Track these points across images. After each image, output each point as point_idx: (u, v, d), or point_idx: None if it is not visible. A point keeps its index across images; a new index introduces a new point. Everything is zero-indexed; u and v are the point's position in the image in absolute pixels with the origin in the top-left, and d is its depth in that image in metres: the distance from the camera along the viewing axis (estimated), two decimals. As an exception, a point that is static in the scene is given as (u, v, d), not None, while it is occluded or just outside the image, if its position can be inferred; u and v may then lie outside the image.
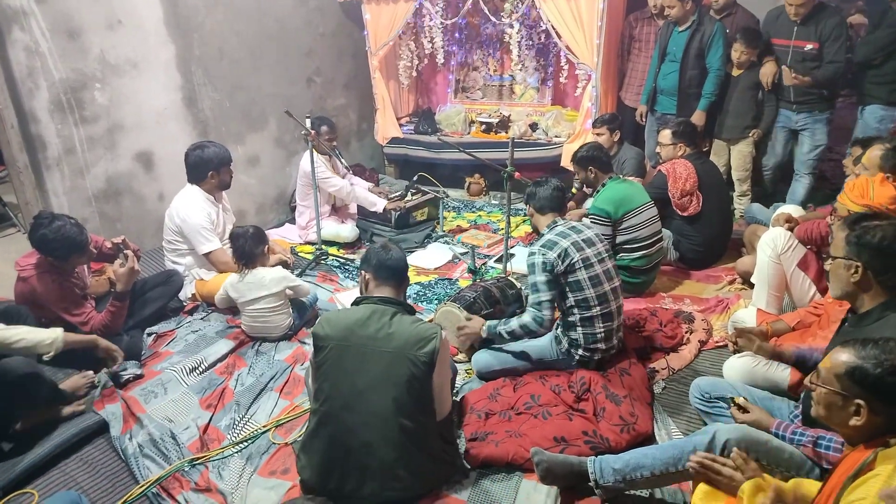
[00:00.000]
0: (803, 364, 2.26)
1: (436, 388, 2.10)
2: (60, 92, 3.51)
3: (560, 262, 2.54)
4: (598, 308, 2.57)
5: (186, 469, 2.37)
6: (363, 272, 2.26)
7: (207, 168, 3.49)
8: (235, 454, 2.47)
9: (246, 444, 2.52)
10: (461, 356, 2.98)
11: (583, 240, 2.62)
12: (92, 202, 3.77)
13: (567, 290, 2.58)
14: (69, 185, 3.64)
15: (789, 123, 4.19)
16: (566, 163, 4.89)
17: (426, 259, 4.23)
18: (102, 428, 2.62)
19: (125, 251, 3.01)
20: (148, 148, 4.00)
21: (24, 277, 2.91)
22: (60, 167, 3.59)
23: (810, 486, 1.61)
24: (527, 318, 2.59)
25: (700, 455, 1.70)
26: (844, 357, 1.45)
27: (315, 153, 4.02)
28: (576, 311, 2.59)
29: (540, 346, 2.72)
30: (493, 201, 5.38)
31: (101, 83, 3.69)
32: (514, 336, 2.65)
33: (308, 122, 3.93)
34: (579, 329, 2.60)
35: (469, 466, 2.31)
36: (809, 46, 3.87)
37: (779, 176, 4.49)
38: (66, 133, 3.57)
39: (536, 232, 2.80)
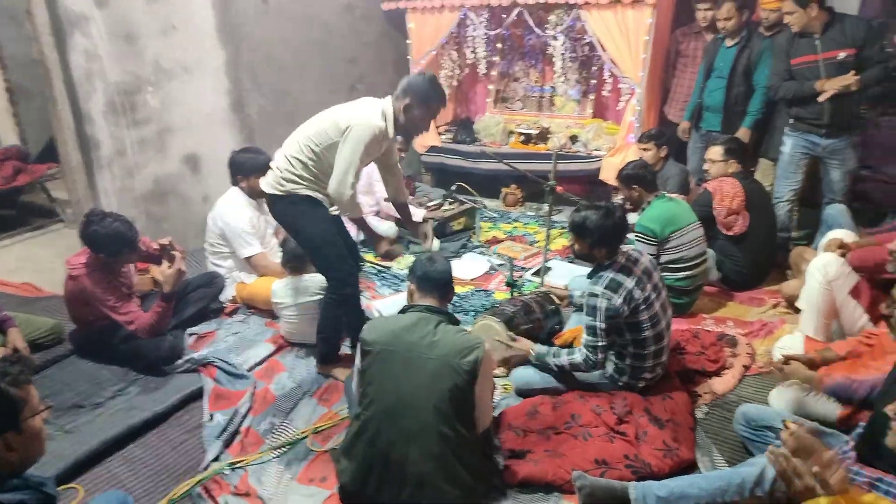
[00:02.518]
0: (838, 397, 2.18)
1: (477, 399, 2.11)
2: (115, 94, 3.61)
3: (626, 307, 2.41)
4: (652, 346, 2.51)
5: (227, 472, 2.41)
6: (409, 282, 2.31)
7: (237, 172, 3.56)
8: (274, 459, 2.49)
9: (285, 449, 2.55)
10: (499, 371, 2.96)
11: (643, 271, 2.50)
12: (140, 202, 3.87)
13: (626, 329, 2.49)
14: (119, 186, 3.74)
15: (813, 150, 3.76)
16: (605, 176, 4.84)
17: (462, 269, 4.22)
18: (146, 425, 2.68)
19: (172, 252, 3.07)
20: (195, 150, 4.09)
21: (74, 276, 2.98)
22: (111, 167, 3.69)
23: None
24: (578, 357, 2.53)
25: (797, 429, 1.62)
26: None
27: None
28: (630, 348, 2.52)
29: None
30: (529, 212, 5.36)
31: (153, 87, 3.79)
32: (562, 370, 2.62)
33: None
34: (628, 361, 2.55)
35: (507, 484, 2.29)
36: (844, 54, 3.44)
37: (796, 205, 4.12)
38: (118, 135, 3.67)
39: (585, 260, 2.64)
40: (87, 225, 2.93)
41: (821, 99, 3.49)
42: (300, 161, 2.66)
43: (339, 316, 2.94)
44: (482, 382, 2.11)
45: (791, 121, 3.85)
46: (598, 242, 2.50)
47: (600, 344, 2.47)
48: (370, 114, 2.58)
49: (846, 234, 3.27)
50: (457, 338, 2.11)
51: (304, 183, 2.69)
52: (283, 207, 2.75)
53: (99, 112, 3.57)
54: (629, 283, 2.44)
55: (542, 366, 2.71)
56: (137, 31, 3.64)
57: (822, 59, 3.54)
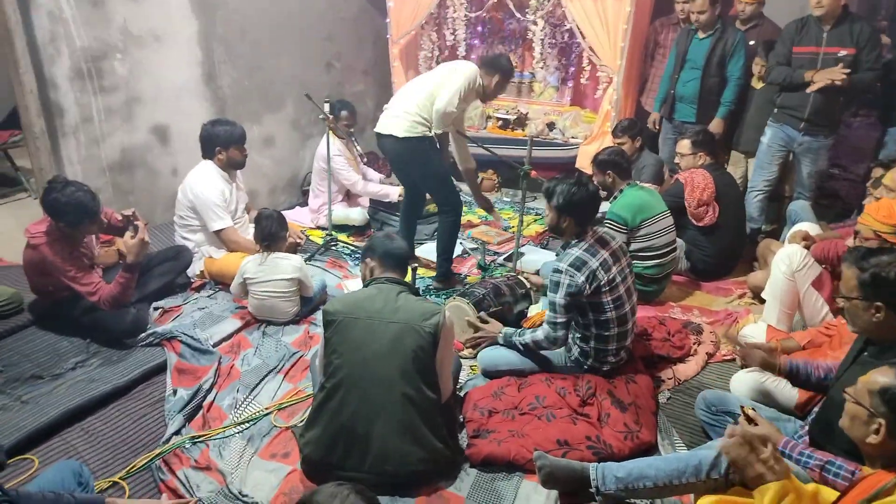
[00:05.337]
0: (795, 377, 2.22)
1: (438, 365, 2.16)
2: (81, 60, 3.49)
3: (588, 286, 2.42)
4: (616, 329, 2.52)
5: (187, 446, 2.38)
6: (367, 260, 2.34)
7: (214, 144, 3.50)
8: (236, 434, 2.47)
9: (248, 425, 2.52)
10: (466, 352, 2.97)
11: (610, 254, 2.51)
12: (106, 172, 3.76)
13: (588, 309, 2.50)
14: (84, 154, 3.63)
15: (789, 144, 3.85)
16: (582, 163, 4.86)
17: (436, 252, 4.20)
18: (107, 398, 2.62)
19: (136, 223, 3.00)
20: (164, 122, 3.99)
21: (33, 245, 2.90)
22: (77, 135, 3.58)
23: (829, 494, 1.60)
24: (540, 334, 2.56)
25: (741, 429, 1.59)
26: (883, 378, 1.48)
27: (333, 138, 4.01)
28: (593, 328, 2.53)
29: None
30: (505, 198, 5.36)
31: (122, 54, 3.67)
32: (527, 349, 2.65)
33: (326, 107, 3.91)
34: (592, 343, 2.57)
35: (470, 463, 2.30)
36: (844, 52, 3.51)
37: (769, 196, 4.20)
38: (84, 101, 3.56)
39: (555, 234, 2.69)
40: (48, 192, 2.84)
41: (809, 90, 3.55)
42: (421, 116, 3.28)
43: (455, 237, 3.61)
44: (443, 348, 2.16)
45: (775, 110, 3.90)
46: (565, 209, 2.49)
47: (559, 320, 2.50)
48: (474, 68, 3.37)
49: (811, 227, 3.34)
50: (418, 304, 2.18)
51: (428, 129, 3.32)
52: (415, 146, 3.30)
53: (64, 77, 3.45)
54: (594, 262, 2.46)
55: (509, 346, 2.73)
56: (106, -6, 3.52)
57: (822, 52, 3.59)
